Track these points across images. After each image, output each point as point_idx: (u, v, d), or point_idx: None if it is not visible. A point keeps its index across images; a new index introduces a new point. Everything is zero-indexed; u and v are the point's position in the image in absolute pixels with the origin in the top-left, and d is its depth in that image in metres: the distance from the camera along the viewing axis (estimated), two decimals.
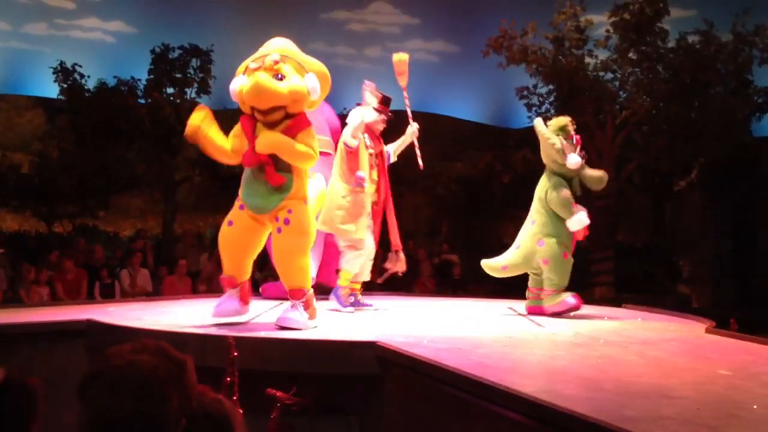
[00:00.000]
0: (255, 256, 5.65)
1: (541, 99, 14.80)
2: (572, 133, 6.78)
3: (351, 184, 6.72)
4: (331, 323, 5.85)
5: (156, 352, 1.76)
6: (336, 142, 7.27)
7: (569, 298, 6.59)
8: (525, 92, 14.89)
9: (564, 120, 6.88)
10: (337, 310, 6.65)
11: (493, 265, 7.00)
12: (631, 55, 14.13)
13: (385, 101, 7.00)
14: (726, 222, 15.29)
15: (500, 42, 14.31)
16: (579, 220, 6.63)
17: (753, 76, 14.31)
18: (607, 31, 14.31)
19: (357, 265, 6.86)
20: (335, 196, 6.71)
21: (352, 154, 6.74)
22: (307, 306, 5.38)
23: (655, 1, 13.84)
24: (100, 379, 1.72)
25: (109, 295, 10.24)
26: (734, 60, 13.97)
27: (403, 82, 7.20)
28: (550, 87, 14.59)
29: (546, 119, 7.16)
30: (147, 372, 1.70)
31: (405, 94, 7.18)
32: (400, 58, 7.23)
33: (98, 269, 10.89)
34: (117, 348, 1.77)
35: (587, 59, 14.39)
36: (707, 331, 5.90)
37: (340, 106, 10.34)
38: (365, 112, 6.82)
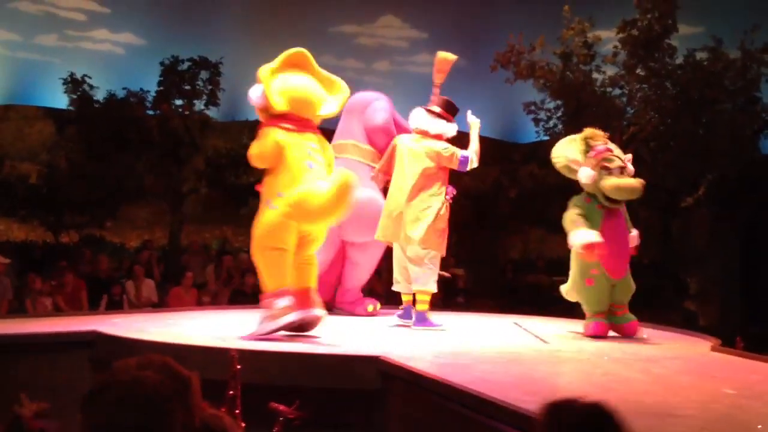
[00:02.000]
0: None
1: (548, 114, 14.77)
2: (595, 145, 6.43)
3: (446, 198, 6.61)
4: (334, 337, 5.84)
5: (162, 368, 1.76)
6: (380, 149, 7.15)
7: (591, 326, 6.36)
8: (532, 107, 14.86)
9: (586, 132, 6.56)
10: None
11: (569, 290, 6.74)
12: (638, 71, 14.12)
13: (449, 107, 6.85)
14: (734, 239, 15.22)
15: (508, 57, 14.31)
16: (579, 238, 6.17)
17: (761, 93, 14.29)
18: (615, 47, 14.31)
19: (433, 281, 6.69)
20: (434, 215, 6.57)
21: (446, 170, 6.59)
22: (266, 309, 5.35)
23: (663, 18, 13.84)
24: (105, 394, 1.72)
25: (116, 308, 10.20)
26: (742, 77, 13.95)
27: (438, 80, 7.01)
28: (558, 102, 14.59)
29: (554, 135, 7.01)
30: (151, 388, 1.71)
31: (436, 91, 6.98)
32: (446, 57, 7.02)
33: (106, 282, 10.88)
34: (123, 363, 1.78)
35: (595, 75, 14.38)
36: (713, 349, 5.87)
37: None
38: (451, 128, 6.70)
